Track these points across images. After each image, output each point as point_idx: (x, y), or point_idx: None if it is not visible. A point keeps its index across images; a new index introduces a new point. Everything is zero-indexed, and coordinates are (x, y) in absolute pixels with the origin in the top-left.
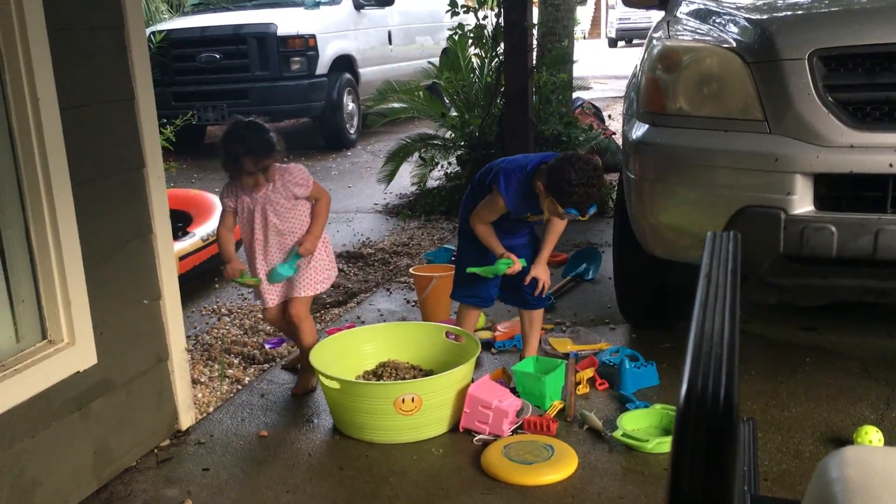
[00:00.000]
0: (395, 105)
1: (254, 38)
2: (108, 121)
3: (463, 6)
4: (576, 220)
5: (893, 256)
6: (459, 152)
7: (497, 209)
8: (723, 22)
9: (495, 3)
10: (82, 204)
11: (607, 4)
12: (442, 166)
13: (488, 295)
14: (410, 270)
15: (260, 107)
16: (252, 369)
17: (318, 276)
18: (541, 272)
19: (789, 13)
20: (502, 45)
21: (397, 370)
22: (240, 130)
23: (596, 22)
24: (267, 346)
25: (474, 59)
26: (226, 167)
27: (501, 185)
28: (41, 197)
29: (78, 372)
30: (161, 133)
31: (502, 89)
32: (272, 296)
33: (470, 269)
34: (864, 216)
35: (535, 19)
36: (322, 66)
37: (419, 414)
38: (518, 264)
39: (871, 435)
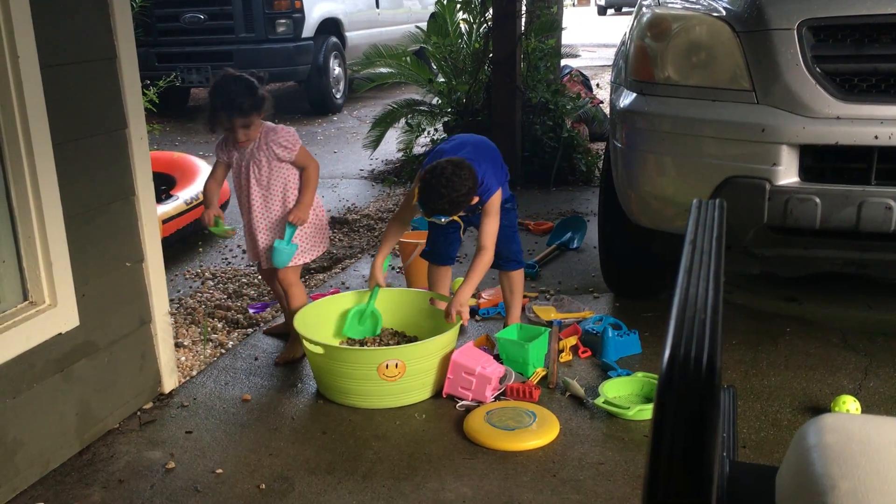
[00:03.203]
0: (382, 70)
1: None
2: (89, 80)
3: None
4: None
5: (876, 228)
6: (446, 119)
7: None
8: None
9: None
10: (63, 164)
11: None
12: (428, 133)
13: (442, 252)
14: None
15: (245, 70)
16: (236, 333)
17: (305, 244)
18: (456, 305)
19: None
20: (491, 10)
21: (381, 336)
22: (224, 84)
23: None
24: (251, 311)
25: (462, 25)
26: (207, 120)
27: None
28: (21, 157)
29: (60, 334)
30: (144, 94)
31: (490, 55)
32: (264, 259)
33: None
34: (848, 188)
35: None
36: (308, 29)
37: (403, 380)
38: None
39: (849, 404)
